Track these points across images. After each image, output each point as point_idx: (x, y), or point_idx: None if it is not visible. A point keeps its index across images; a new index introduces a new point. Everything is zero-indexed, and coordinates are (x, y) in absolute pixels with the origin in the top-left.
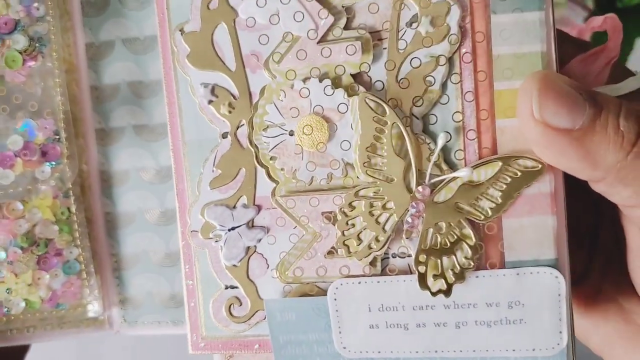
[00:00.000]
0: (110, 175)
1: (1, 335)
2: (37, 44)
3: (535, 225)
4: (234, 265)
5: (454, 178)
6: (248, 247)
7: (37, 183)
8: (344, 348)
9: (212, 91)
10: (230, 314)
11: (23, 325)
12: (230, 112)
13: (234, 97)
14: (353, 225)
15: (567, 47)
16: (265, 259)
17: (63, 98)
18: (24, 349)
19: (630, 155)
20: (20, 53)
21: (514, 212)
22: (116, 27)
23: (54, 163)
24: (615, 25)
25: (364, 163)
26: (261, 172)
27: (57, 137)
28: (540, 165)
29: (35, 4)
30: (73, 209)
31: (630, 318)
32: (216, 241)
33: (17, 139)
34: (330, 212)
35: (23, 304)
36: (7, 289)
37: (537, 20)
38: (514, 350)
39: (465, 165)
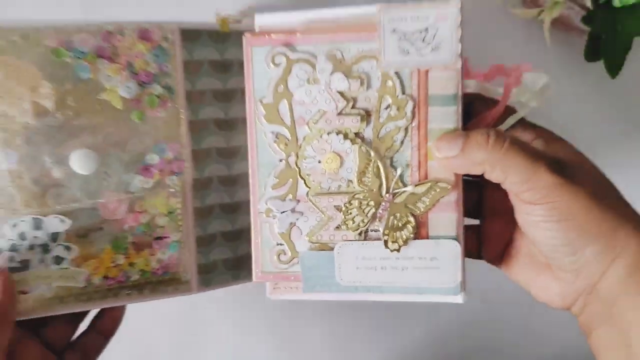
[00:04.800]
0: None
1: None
2: (167, 92)
3: (446, 218)
4: (283, 232)
5: (405, 191)
6: (291, 223)
7: (165, 188)
8: (341, 279)
9: (276, 135)
10: (279, 259)
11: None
12: (285, 146)
13: (287, 139)
14: (350, 213)
15: (479, 104)
16: (300, 230)
17: (184, 128)
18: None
19: (495, 151)
20: (158, 97)
21: (435, 210)
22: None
23: (179, 173)
24: (509, 87)
25: (359, 180)
26: (301, 181)
27: (181, 155)
28: (449, 186)
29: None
30: (180, 205)
31: (532, 254)
32: (273, 218)
33: (154, 156)
34: (339, 206)
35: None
36: (129, 263)
37: (453, 111)
38: (430, 283)
39: (411, 184)
